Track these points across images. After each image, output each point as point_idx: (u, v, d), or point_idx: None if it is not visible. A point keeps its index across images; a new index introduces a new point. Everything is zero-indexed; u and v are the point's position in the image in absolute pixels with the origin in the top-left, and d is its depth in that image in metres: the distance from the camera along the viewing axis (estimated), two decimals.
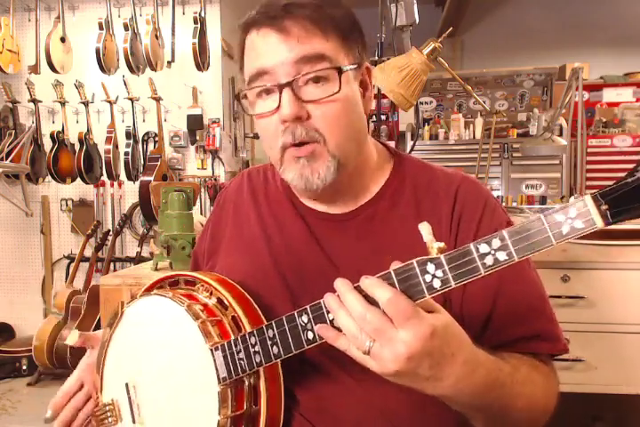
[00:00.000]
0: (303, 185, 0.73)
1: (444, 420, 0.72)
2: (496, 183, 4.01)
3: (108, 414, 0.81)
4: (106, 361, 0.84)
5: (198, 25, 3.04)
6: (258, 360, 0.65)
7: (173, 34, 3.14)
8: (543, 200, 2.96)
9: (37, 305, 3.58)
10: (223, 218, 0.91)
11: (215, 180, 3.40)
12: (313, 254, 0.77)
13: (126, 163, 3.22)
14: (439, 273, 0.52)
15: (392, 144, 2.17)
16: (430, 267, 0.53)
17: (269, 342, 0.64)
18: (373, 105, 2.12)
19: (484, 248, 0.50)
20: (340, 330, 0.57)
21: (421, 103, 4.29)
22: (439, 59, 1.63)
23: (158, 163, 3.09)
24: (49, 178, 3.26)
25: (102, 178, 3.31)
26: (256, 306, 0.73)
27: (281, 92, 0.69)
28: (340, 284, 0.57)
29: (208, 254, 0.90)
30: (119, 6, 3.32)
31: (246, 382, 0.68)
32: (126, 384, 0.80)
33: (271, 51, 0.70)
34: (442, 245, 0.52)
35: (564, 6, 5.32)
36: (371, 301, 0.55)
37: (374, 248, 0.75)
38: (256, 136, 3.85)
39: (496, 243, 0.50)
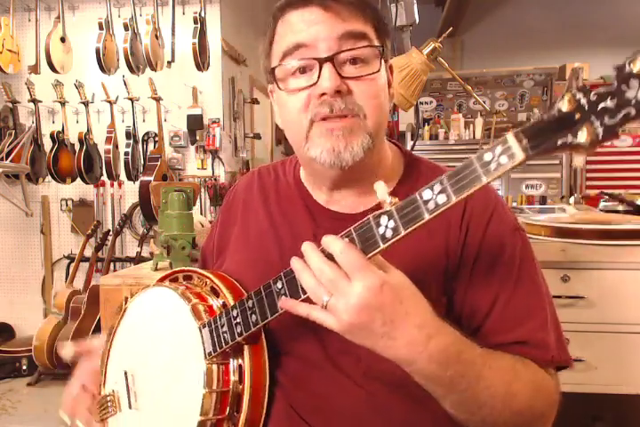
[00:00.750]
0: (332, 160, 0.70)
1: (441, 420, 0.70)
2: (496, 183, 4.00)
3: (109, 404, 0.84)
4: (110, 356, 0.87)
5: (198, 25, 3.04)
6: (239, 330, 0.68)
7: (173, 34, 3.14)
8: (543, 200, 2.96)
9: (37, 305, 3.58)
10: (232, 216, 0.90)
11: (215, 180, 3.40)
12: None
13: (126, 163, 3.22)
14: (391, 223, 0.56)
15: None
16: (383, 219, 0.56)
17: (249, 312, 0.67)
18: None
19: (427, 194, 0.54)
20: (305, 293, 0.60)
21: (421, 103, 4.29)
22: (439, 59, 1.63)
23: (158, 163, 3.09)
24: (49, 178, 3.25)
25: (102, 178, 3.31)
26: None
27: (321, 67, 0.68)
28: (306, 245, 0.60)
29: (217, 252, 0.90)
30: (119, 6, 3.32)
31: (232, 361, 0.71)
32: (125, 373, 0.83)
33: (314, 26, 0.69)
34: (395, 199, 0.56)
35: (564, 6, 5.32)
36: (332, 259, 0.58)
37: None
38: (256, 136, 3.85)
39: (437, 187, 0.54)
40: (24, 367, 3.07)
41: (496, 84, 4.36)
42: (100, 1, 3.25)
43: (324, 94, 0.68)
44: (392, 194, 0.78)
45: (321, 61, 0.68)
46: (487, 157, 0.50)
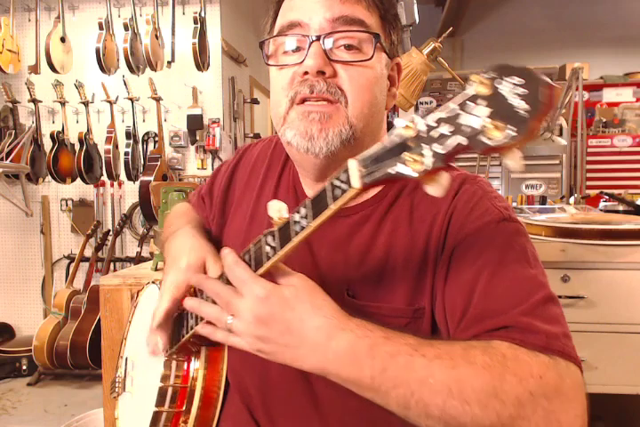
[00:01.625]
0: (305, 146, 0.67)
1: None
2: (496, 183, 4.00)
3: (117, 385, 0.91)
4: (125, 342, 0.94)
5: (198, 25, 3.04)
6: (182, 334, 0.71)
7: (173, 34, 3.14)
8: (543, 200, 2.96)
9: (37, 305, 3.58)
10: (238, 177, 0.89)
11: None
12: (300, 251, 0.73)
13: (126, 163, 3.22)
14: (273, 242, 0.56)
15: None
16: (269, 238, 0.57)
17: (184, 322, 0.71)
18: None
19: (296, 217, 0.54)
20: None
21: (421, 103, 4.29)
22: (439, 59, 1.63)
23: (158, 163, 3.09)
24: (49, 178, 3.26)
25: (102, 178, 3.31)
26: None
27: (310, 46, 0.66)
28: (197, 277, 0.63)
29: (220, 207, 0.89)
30: (119, 6, 3.32)
31: (192, 360, 0.75)
32: (126, 359, 0.90)
33: (312, 5, 0.68)
34: (282, 219, 0.56)
35: (564, 6, 5.32)
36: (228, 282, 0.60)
37: (360, 250, 0.71)
38: (256, 136, 3.85)
39: (302, 211, 0.53)
40: (24, 367, 3.06)
41: None
42: (100, 1, 3.25)
43: (306, 73, 0.66)
44: (379, 194, 0.74)
45: (310, 40, 0.67)
46: (336, 182, 0.48)
